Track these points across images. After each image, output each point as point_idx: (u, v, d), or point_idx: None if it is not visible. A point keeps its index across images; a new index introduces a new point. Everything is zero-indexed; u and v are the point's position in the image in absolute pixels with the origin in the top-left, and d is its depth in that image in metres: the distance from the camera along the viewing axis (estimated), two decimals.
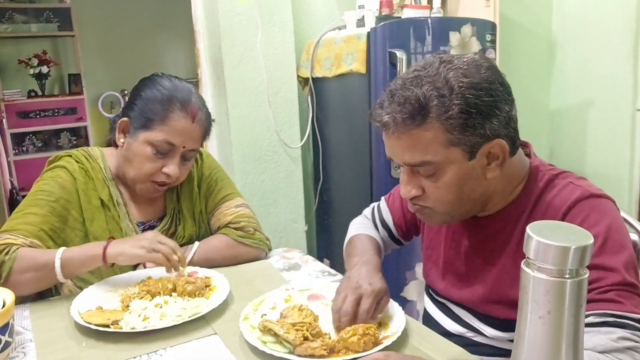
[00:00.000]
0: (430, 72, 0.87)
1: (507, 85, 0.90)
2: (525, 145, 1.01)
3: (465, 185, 0.91)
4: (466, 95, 0.85)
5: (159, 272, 1.20)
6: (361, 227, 1.25)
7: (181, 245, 1.33)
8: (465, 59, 0.89)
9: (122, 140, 1.27)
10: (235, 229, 1.34)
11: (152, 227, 1.34)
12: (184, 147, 1.23)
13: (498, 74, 0.90)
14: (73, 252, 1.13)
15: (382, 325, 0.96)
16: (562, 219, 0.88)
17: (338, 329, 0.93)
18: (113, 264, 1.13)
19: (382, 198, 1.29)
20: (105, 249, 1.11)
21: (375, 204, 1.30)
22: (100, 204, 1.27)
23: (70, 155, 1.29)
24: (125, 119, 1.26)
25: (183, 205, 1.37)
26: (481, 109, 0.85)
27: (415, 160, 0.90)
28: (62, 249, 1.13)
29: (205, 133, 1.29)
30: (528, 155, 1.01)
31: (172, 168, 1.23)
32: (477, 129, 0.86)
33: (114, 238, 1.18)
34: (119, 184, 1.31)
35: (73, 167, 1.26)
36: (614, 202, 0.92)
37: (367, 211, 1.31)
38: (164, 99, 1.22)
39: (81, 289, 1.16)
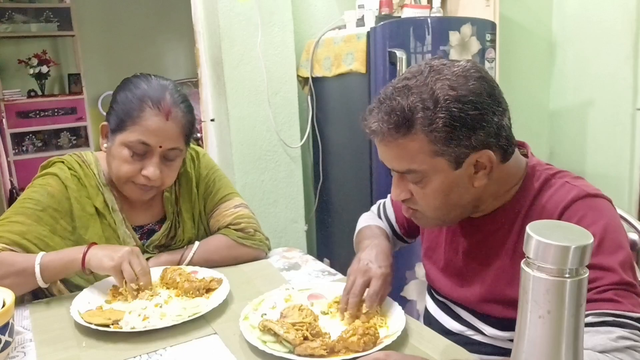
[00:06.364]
0: (419, 82, 0.88)
1: (496, 96, 0.89)
2: (522, 145, 1.02)
3: (451, 193, 0.92)
4: (451, 109, 0.85)
5: (159, 271, 1.20)
6: (370, 220, 1.28)
7: (180, 247, 1.33)
8: (455, 69, 0.88)
9: (104, 144, 1.24)
10: (236, 230, 1.34)
11: (150, 231, 1.32)
12: (160, 146, 1.18)
13: (488, 84, 0.89)
14: (53, 257, 1.11)
15: (382, 325, 0.96)
16: (558, 219, 0.88)
17: (345, 309, 0.97)
18: (92, 272, 1.12)
19: (388, 196, 1.30)
20: (84, 254, 1.10)
21: (381, 201, 1.32)
22: (94, 211, 1.24)
23: (63, 162, 1.26)
24: (105, 123, 1.23)
25: (182, 207, 1.35)
26: (466, 121, 0.85)
27: (402, 168, 0.92)
28: (42, 253, 1.12)
29: (186, 130, 1.22)
30: (525, 155, 1.01)
31: (151, 170, 1.18)
32: (462, 140, 0.86)
33: (95, 244, 1.15)
34: (113, 190, 1.27)
35: (65, 175, 1.23)
36: (610, 201, 0.92)
37: (374, 207, 1.33)
38: (135, 98, 1.17)
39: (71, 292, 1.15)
